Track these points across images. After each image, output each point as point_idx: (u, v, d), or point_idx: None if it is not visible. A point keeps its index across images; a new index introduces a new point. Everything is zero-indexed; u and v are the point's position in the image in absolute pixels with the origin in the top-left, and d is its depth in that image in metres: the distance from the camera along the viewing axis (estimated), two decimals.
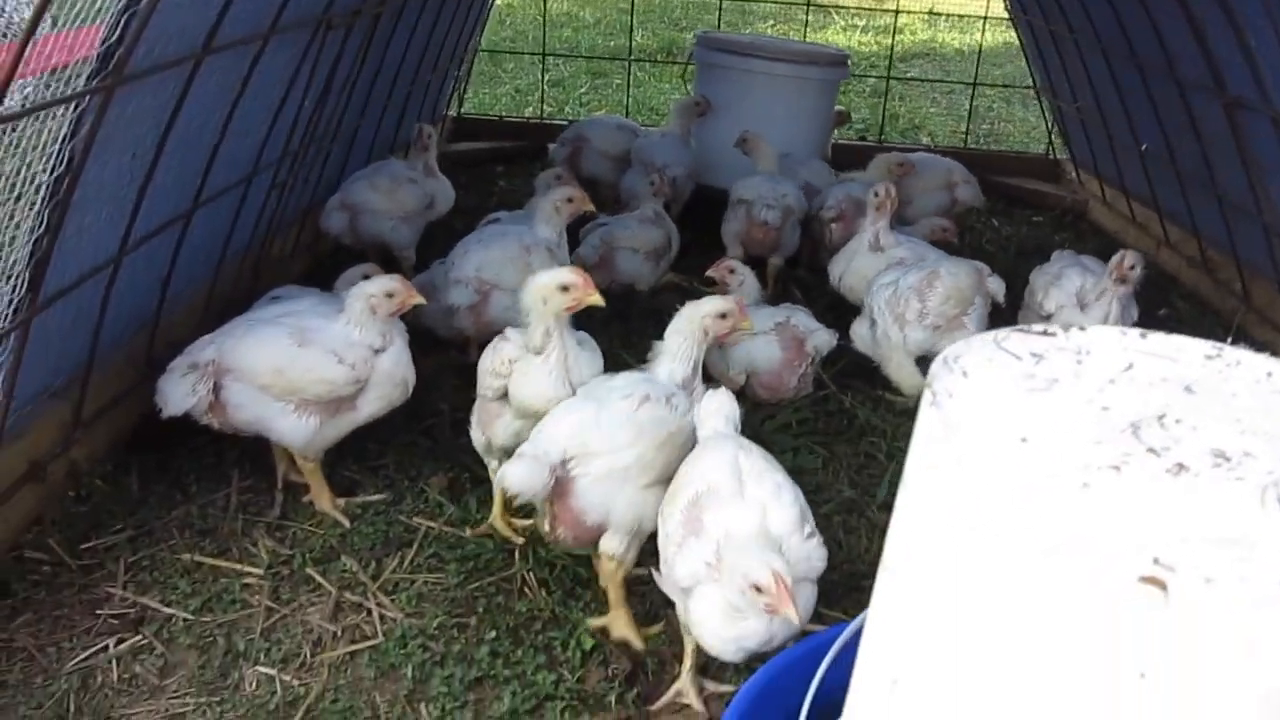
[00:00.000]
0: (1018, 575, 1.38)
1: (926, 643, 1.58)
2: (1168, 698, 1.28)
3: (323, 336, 3.68)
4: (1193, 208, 6.60)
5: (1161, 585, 1.24)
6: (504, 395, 3.69)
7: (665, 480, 3.25)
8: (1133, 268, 4.71)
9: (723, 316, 3.72)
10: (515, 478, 3.14)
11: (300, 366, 3.63)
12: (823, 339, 4.82)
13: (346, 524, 3.86)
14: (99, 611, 3.39)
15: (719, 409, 3.29)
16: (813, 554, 2.90)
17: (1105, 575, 1.29)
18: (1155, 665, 1.28)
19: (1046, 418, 1.58)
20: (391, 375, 3.78)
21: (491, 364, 3.72)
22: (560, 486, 3.21)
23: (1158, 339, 1.85)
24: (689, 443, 3.35)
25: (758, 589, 2.66)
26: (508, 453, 3.54)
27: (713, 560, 2.80)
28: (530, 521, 3.91)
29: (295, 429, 3.71)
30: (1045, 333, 1.86)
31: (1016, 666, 1.40)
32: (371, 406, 3.81)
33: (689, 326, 3.68)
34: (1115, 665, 1.30)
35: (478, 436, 3.86)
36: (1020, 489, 1.40)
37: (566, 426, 3.28)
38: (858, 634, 1.99)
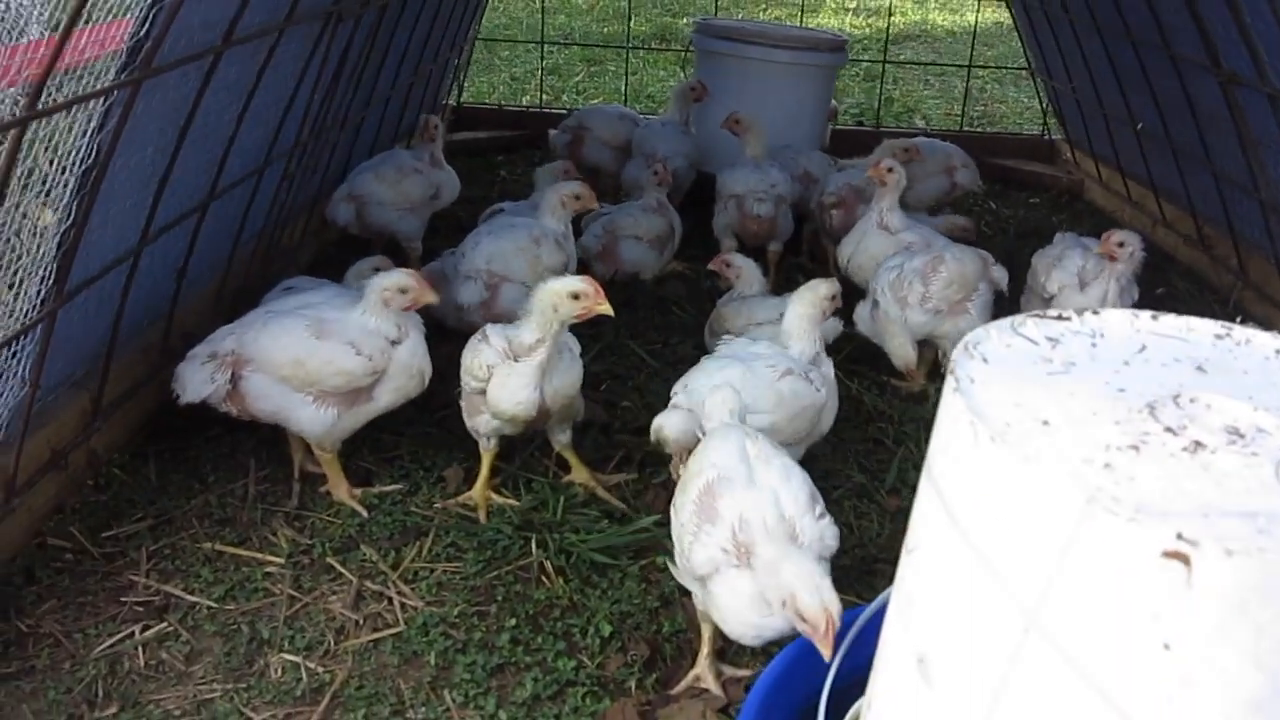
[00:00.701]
0: (1043, 554, 1.43)
1: (952, 620, 1.64)
2: (1192, 668, 1.33)
3: (340, 328, 3.72)
4: (1189, 185, 6.65)
5: (1184, 559, 1.29)
6: (483, 392, 3.76)
7: (791, 445, 3.66)
8: (1121, 244, 4.76)
9: (833, 298, 4.08)
10: (674, 427, 3.44)
11: (319, 358, 3.67)
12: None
13: (364, 514, 3.91)
14: (123, 599, 3.45)
15: (724, 402, 3.38)
16: (825, 534, 2.92)
17: (1129, 551, 1.34)
18: (1179, 637, 1.33)
19: (1066, 400, 1.63)
20: (408, 367, 3.81)
21: (469, 366, 3.79)
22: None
23: (1169, 320, 1.91)
24: (816, 419, 3.81)
25: (800, 615, 2.62)
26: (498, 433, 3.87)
27: (729, 546, 2.84)
28: (513, 501, 3.99)
29: (314, 420, 3.76)
30: (1060, 317, 1.91)
31: (1042, 642, 1.45)
32: (388, 398, 3.85)
33: (810, 309, 4.00)
34: (1141, 638, 1.35)
35: (466, 421, 3.95)
36: (1043, 471, 1.45)
37: (716, 384, 3.52)
38: (876, 617, 2.05)
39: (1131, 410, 1.61)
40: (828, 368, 3.98)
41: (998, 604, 1.50)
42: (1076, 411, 1.60)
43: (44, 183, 2.94)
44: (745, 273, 5.10)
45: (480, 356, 3.73)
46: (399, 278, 3.83)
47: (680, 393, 3.67)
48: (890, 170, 5.36)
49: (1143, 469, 1.46)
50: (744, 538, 2.82)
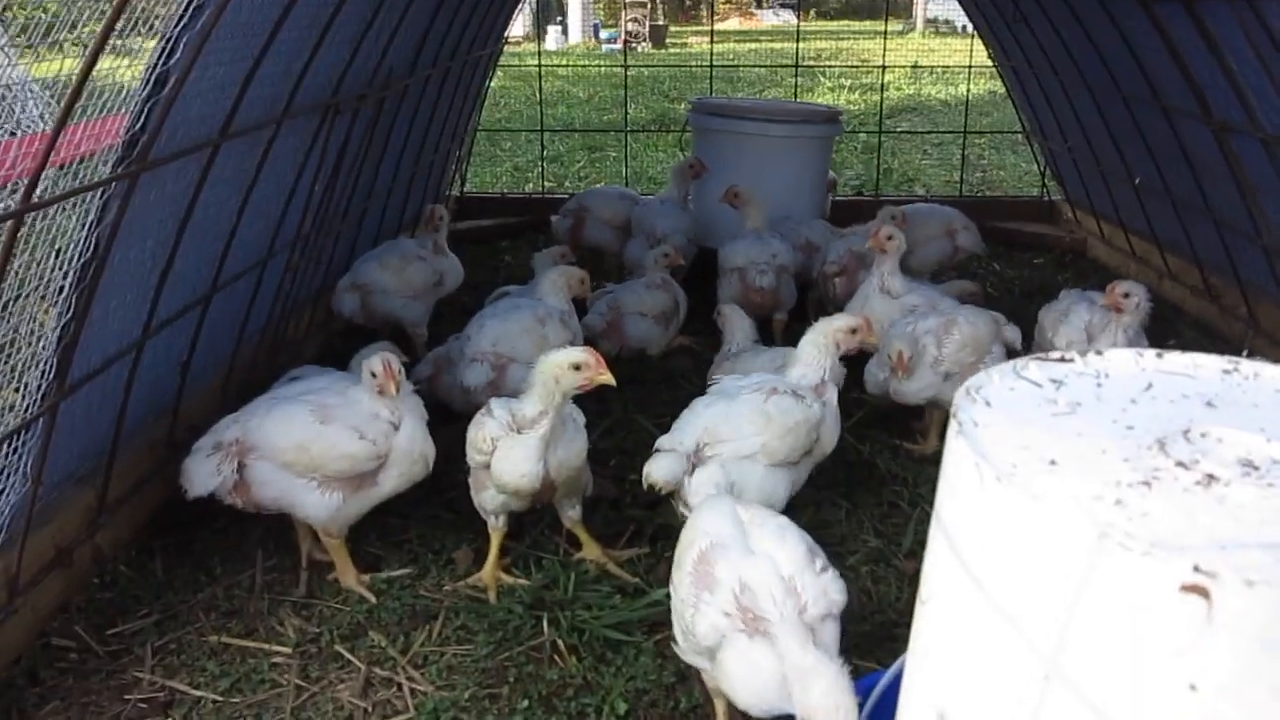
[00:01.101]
0: (1056, 595, 1.39)
1: (970, 671, 1.58)
2: (1216, 705, 1.28)
3: (344, 412, 3.72)
4: (1191, 236, 6.66)
5: (1204, 592, 1.24)
6: (489, 466, 3.74)
7: (791, 463, 3.73)
8: (1126, 295, 4.74)
9: (852, 332, 4.09)
10: (661, 471, 3.60)
11: (323, 442, 3.66)
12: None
13: (372, 599, 3.85)
14: (127, 697, 3.37)
15: (709, 478, 3.44)
16: (829, 588, 2.79)
17: (1146, 588, 1.30)
18: (1203, 674, 1.28)
19: (1073, 440, 1.60)
20: (409, 453, 3.79)
21: (474, 439, 3.78)
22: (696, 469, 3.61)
23: (1174, 357, 1.87)
24: (813, 434, 3.81)
25: None
26: (506, 510, 3.86)
27: (731, 610, 2.74)
28: (524, 580, 3.92)
29: (319, 505, 3.73)
30: (1063, 359, 1.88)
31: (1064, 687, 1.40)
32: (393, 483, 3.82)
33: (823, 339, 4.05)
34: (1164, 678, 1.30)
35: (474, 497, 3.92)
36: (1053, 508, 1.41)
37: (701, 421, 3.69)
38: (896, 680, 1.98)
39: (1141, 447, 1.57)
40: (830, 395, 4.01)
41: (1014, 650, 1.45)
42: (1084, 450, 1.57)
43: (43, 276, 2.95)
44: (733, 321, 5.10)
45: (484, 430, 3.72)
46: (371, 363, 3.78)
47: (669, 434, 3.77)
48: (890, 238, 5.37)
49: (1155, 504, 1.41)
50: (746, 601, 2.73)
